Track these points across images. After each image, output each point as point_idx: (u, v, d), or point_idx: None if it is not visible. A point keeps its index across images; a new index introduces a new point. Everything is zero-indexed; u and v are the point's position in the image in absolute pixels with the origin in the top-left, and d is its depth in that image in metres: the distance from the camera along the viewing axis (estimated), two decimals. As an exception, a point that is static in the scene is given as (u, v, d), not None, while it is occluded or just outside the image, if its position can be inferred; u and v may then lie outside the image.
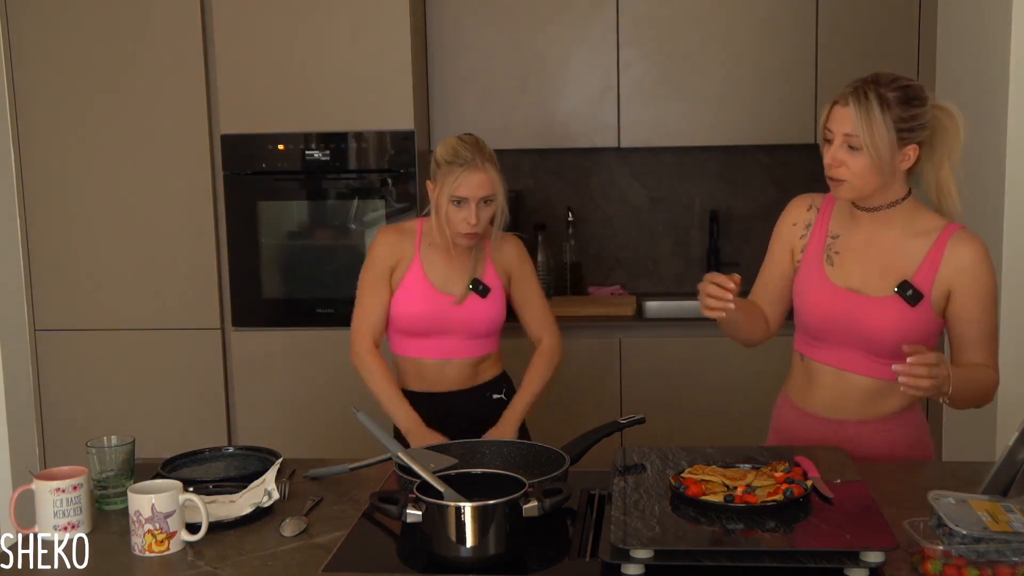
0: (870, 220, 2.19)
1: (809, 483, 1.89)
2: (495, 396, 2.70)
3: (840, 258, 2.22)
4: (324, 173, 3.82)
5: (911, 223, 2.17)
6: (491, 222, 2.59)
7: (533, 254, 4.03)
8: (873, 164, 2.08)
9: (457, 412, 2.63)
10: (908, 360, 1.93)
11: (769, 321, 2.36)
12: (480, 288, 2.61)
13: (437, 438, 2.47)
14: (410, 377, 2.68)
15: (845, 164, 2.10)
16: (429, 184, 2.61)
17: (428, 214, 2.63)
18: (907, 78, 2.12)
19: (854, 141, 2.08)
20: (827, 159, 2.13)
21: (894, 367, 1.95)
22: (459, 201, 2.53)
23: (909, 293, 2.12)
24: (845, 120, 2.09)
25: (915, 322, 2.14)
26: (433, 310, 2.59)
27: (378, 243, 2.66)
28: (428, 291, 2.60)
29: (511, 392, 2.74)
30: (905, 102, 2.08)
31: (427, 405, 2.63)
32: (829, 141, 2.13)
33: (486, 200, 2.54)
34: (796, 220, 2.31)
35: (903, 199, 2.16)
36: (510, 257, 2.70)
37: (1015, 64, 3.01)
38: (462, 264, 2.63)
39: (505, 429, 2.59)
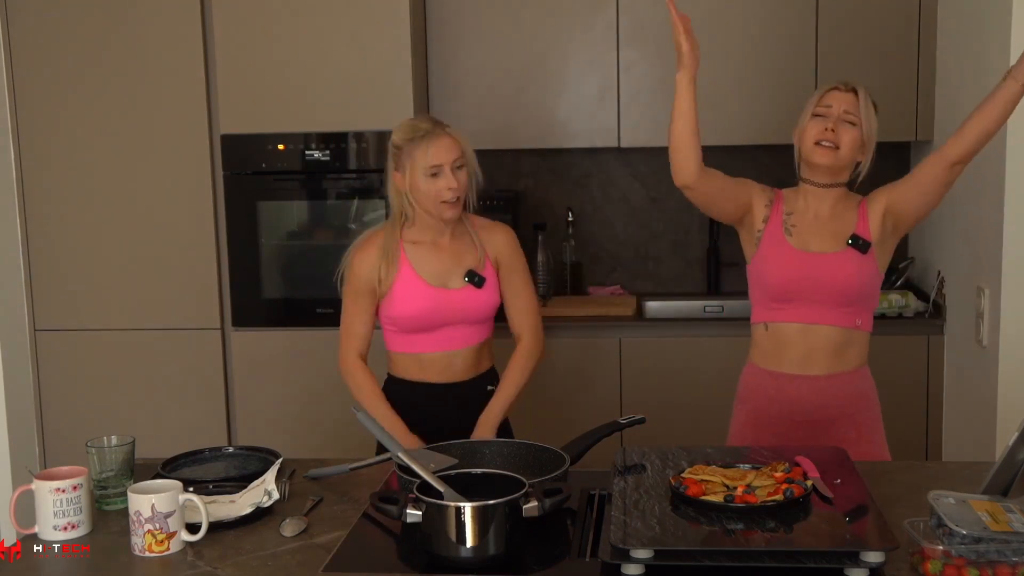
0: (815, 196, 2.57)
1: (809, 483, 1.89)
2: (489, 388, 2.71)
3: (796, 229, 2.57)
4: (324, 173, 3.81)
5: (841, 198, 2.58)
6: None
7: (533, 254, 4.03)
8: (861, 139, 2.50)
9: (456, 404, 2.63)
10: None
11: (697, 155, 2.50)
12: (476, 279, 2.61)
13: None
14: (412, 369, 2.66)
15: (839, 134, 2.48)
16: (396, 176, 2.61)
17: (405, 220, 2.64)
18: None
19: (852, 118, 2.49)
20: (823, 127, 2.48)
21: None
22: (434, 171, 2.54)
23: (860, 243, 2.51)
24: (847, 100, 2.50)
25: (868, 269, 2.52)
26: (432, 304, 2.59)
27: (356, 261, 2.64)
28: (423, 288, 2.59)
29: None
30: (875, 110, 2.55)
31: (427, 396, 2.63)
32: (821, 116, 2.50)
33: (459, 164, 2.56)
34: (763, 191, 2.63)
35: (845, 182, 2.59)
36: (501, 245, 2.69)
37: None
38: (450, 256, 2.64)
39: (484, 431, 2.60)
